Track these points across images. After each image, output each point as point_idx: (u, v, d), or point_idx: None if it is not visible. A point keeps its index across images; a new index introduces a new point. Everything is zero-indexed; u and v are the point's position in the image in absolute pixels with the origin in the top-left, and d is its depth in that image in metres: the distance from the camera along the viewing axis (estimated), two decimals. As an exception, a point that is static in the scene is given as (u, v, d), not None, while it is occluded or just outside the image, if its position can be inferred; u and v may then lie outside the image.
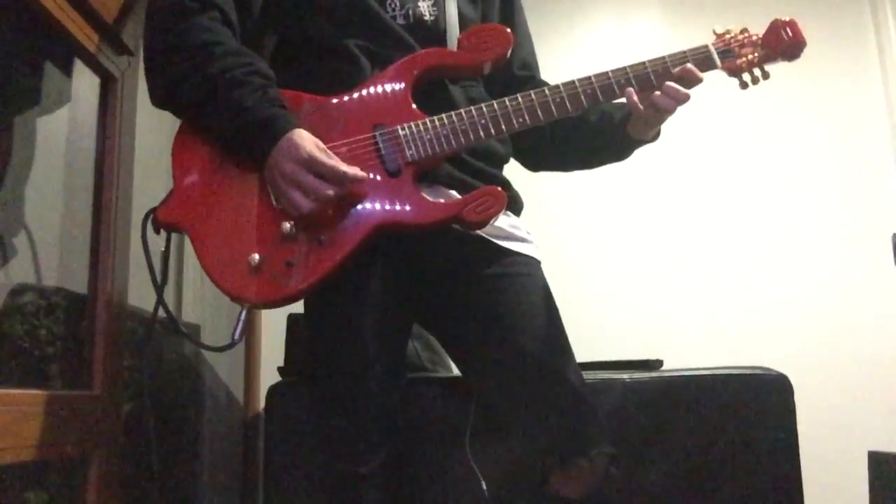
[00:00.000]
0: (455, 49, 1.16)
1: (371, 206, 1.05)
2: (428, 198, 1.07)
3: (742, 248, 2.50)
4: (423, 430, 1.40)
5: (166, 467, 1.53)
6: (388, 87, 1.11)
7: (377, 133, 1.08)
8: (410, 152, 1.07)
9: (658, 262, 2.50)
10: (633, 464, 1.40)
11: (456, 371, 1.45)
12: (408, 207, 1.05)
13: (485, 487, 1.28)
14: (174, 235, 1.10)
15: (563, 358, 1.14)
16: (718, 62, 1.15)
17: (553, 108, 1.11)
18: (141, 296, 1.40)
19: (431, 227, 1.06)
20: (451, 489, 1.38)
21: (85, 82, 1.32)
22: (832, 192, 2.53)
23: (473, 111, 1.09)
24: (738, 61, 1.16)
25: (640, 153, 1.30)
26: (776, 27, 1.16)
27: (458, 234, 1.11)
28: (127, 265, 1.33)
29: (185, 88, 1.04)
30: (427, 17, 1.18)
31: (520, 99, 1.11)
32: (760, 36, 1.17)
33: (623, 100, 1.14)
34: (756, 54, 1.16)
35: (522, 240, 1.20)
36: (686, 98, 1.11)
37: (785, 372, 1.50)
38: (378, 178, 1.06)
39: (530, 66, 1.34)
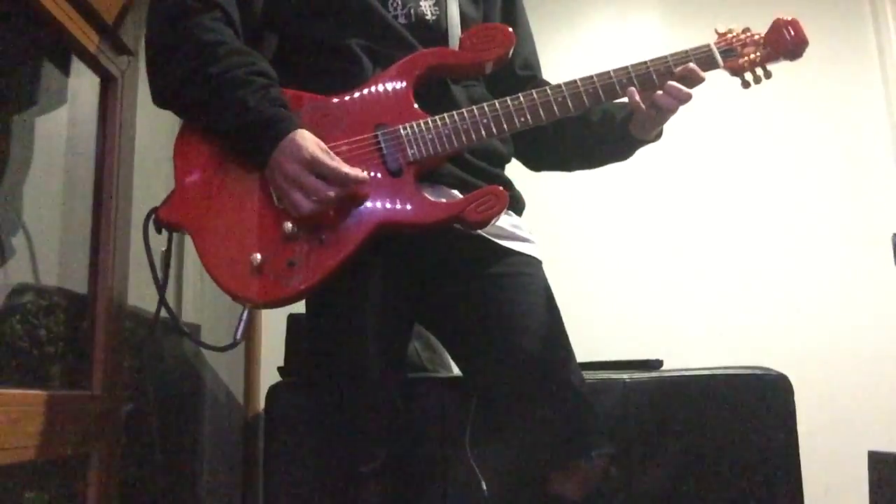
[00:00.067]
0: (457, 48, 1.16)
1: (372, 206, 1.05)
2: (429, 197, 1.07)
3: (742, 248, 2.51)
4: (423, 430, 1.40)
5: (167, 467, 1.53)
6: (389, 87, 1.11)
7: (379, 132, 1.08)
8: (412, 152, 1.07)
9: (658, 262, 2.50)
10: (633, 464, 1.40)
11: (456, 371, 1.45)
12: (409, 207, 1.05)
13: (485, 487, 1.28)
14: (175, 235, 1.10)
15: (563, 358, 1.15)
16: (720, 61, 1.15)
17: (555, 107, 1.11)
18: (141, 296, 1.40)
19: (433, 227, 1.06)
20: (451, 489, 1.38)
21: (85, 82, 1.32)
22: (832, 192, 2.53)
23: (475, 110, 1.09)
24: (741, 60, 1.16)
25: (640, 154, 1.30)
26: (778, 26, 1.16)
27: (459, 233, 1.11)
28: (127, 265, 1.33)
29: (187, 88, 1.04)
30: (429, 17, 1.18)
31: (521, 98, 1.11)
32: (762, 35, 1.17)
33: (625, 99, 1.14)
34: (758, 54, 1.16)
35: (524, 239, 1.20)
36: (688, 97, 1.11)
37: (785, 372, 1.49)
38: (380, 177, 1.06)
39: (532, 66, 1.34)
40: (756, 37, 1.17)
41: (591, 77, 1.12)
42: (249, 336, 2.10)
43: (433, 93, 1.14)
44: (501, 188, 1.08)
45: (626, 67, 1.13)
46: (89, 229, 1.28)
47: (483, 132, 1.09)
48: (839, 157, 2.56)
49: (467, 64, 1.16)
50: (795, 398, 1.47)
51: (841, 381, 2.35)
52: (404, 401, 1.17)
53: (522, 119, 1.10)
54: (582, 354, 1.19)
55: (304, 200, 1.00)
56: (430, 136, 1.08)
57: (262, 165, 1.03)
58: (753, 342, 2.35)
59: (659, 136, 1.25)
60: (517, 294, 1.15)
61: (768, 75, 1.17)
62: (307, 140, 1.01)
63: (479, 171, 1.16)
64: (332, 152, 1.02)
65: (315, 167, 1.00)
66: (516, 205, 1.24)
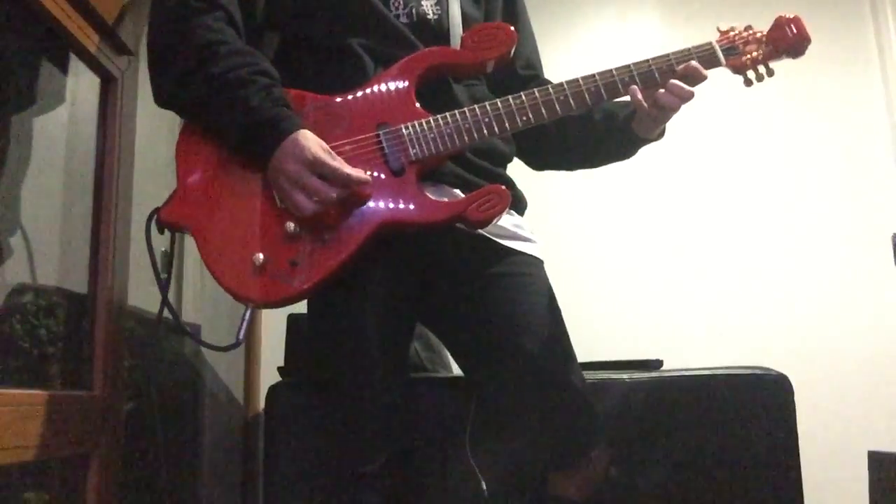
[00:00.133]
0: (458, 48, 1.16)
1: (375, 206, 1.05)
2: (431, 197, 1.07)
3: (742, 248, 2.50)
4: (423, 430, 1.40)
5: (167, 467, 1.53)
6: (391, 86, 1.11)
7: (381, 132, 1.08)
8: (414, 151, 1.07)
9: (658, 262, 2.50)
10: (633, 464, 1.40)
11: (456, 371, 1.45)
12: (411, 206, 1.05)
13: (485, 487, 1.28)
14: (175, 235, 1.10)
15: (564, 358, 1.15)
16: (723, 59, 1.15)
17: (557, 106, 1.11)
18: (141, 296, 1.40)
19: (435, 226, 1.06)
20: (451, 489, 1.38)
21: (85, 82, 1.32)
22: (832, 192, 2.53)
23: (477, 109, 1.09)
24: (743, 58, 1.16)
25: (641, 153, 1.30)
26: (780, 24, 1.16)
27: (461, 233, 1.11)
28: (127, 265, 1.33)
29: (189, 88, 1.04)
30: (430, 16, 1.18)
31: (523, 97, 1.10)
32: (765, 33, 1.17)
33: (627, 98, 1.14)
34: (760, 51, 1.16)
35: (526, 239, 1.20)
36: (690, 96, 1.11)
37: (785, 372, 1.49)
38: (382, 176, 1.06)
39: (534, 65, 1.34)
40: (758, 34, 1.17)
41: (594, 75, 1.12)
42: (249, 336, 2.10)
43: (435, 92, 1.13)
44: (504, 187, 1.08)
45: (629, 66, 1.13)
46: (89, 229, 1.28)
47: (485, 131, 1.09)
48: (839, 157, 2.56)
49: (469, 63, 1.16)
50: (795, 398, 1.47)
51: (841, 381, 2.35)
52: (405, 401, 1.17)
53: (524, 118, 1.10)
54: (582, 354, 1.19)
55: (306, 201, 1.00)
56: (431, 136, 1.08)
57: (264, 165, 1.03)
58: (753, 342, 2.35)
59: (662, 134, 1.25)
60: (519, 294, 1.14)
61: (771, 73, 1.17)
62: (309, 140, 1.01)
63: (481, 170, 1.16)
64: (333, 153, 1.02)
65: (317, 168, 1.00)
66: (518, 204, 1.24)
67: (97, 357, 1.23)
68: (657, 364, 1.61)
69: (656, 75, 1.12)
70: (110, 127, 1.31)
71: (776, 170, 2.56)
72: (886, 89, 2.61)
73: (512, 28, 1.16)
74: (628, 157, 1.30)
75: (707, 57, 1.14)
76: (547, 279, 1.20)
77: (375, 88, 1.11)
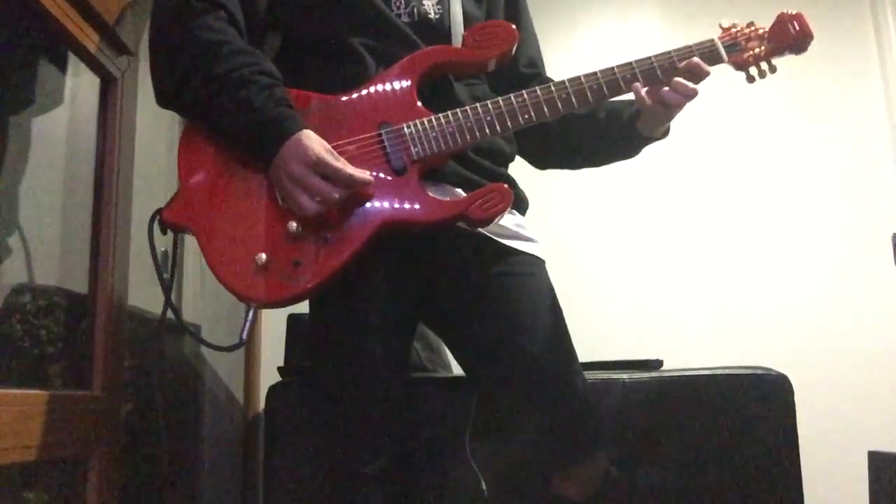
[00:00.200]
0: (460, 47, 1.16)
1: (377, 205, 1.05)
2: (434, 196, 1.07)
3: (742, 248, 2.50)
4: (423, 430, 1.40)
5: (167, 467, 1.53)
6: (393, 85, 1.11)
7: (382, 131, 1.08)
8: (416, 150, 1.07)
9: (658, 262, 2.50)
10: (633, 464, 1.40)
11: (456, 371, 1.45)
12: (414, 205, 1.05)
13: (485, 487, 1.28)
14: (177, 236, 1.10)
15: (566, 359, 1.14)
16: (725, 56, 1.15)
17: (559, 104, 1.11)
18: (141, 296, 1.40)
19: (437, 225, 1.06)
20: (451, 489, 1.38)
21: (85, 82, 1.32)
22: (832, 192, 2.53)
23: (479, 108, 1.09)
24: (745, 55, 1.16)
25: (640, 154, 1.30)
26: (783, 20, 1.16)
27: (463, 232, 1.11)
28: (127, 265, 1.33)
29: (190, 88, 1.04)
30: (432, 16, 1.17)
31: (525, 95, 1.10)
32: (767, 29, 1.17)
33: (631, 96, 1.14)
34: (763, 48, 1.16)
35: (528, 239, 1.20)
36: (694, 93, 1.11)
37: (785, 372, 1.49)
38: (384, 176, 1.06)
39: (536, 64, 1.34)
40: (760, 31, 1.17)
41: (595, 73, 1.12)
42: (249, 336, 2.10)
43: (436, 91, 1.13)
44: (506, 185, 1.08)
45: (630, 63, 1.13)
46: (89, 229, 1.28)
47: (487, 129, 1.09)
48: (839, 157, 2.56)
49: (470, 61, 1.15)
50: (795, 398, 1.47)
51: (841, 381, 2.35)
52: (408, 401, 1.17)
53: (526, 116, 1.10)
54: (582, 354, 1.19)
55: (309, 202, 1.00)
56: (433, 134, 1.08)
57: (266, 165, 1.03)
58: (753, 342, 2.36)
59: (666, 133, 1.25)
60: (521, 294, 1.14)
61: (773, 69, 1.16)
62: (312, 141, 1.01)
63: (482, 169, 1.16)
64: (336, 153, 1.02)
65: (320, 168, 1.00)
66: (520, 204, 1.23)
67: (97, 357, 1.23)
68: (657, 364, 1.61)
69: (658, 72, 1.12)
70: (110, 127, 1.31)
71: (776, 170, 2.56)
72: (886, 89, 2.61)
73: (513, 26, 1.16)
74: (632, 156, 1.30)
75: (709, 54, 1.14)
76: (549, 279, 1.20)
77: (377, 88, 1.11)
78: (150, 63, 1.09)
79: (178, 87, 1.06)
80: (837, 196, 2.53)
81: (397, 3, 1.16)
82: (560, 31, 2.64)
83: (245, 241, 1.03)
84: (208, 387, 1.85)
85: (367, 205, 1.05)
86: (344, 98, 1.10)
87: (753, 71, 1.16)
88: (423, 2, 1.17)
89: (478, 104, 1.09)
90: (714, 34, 1.17)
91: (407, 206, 1.05)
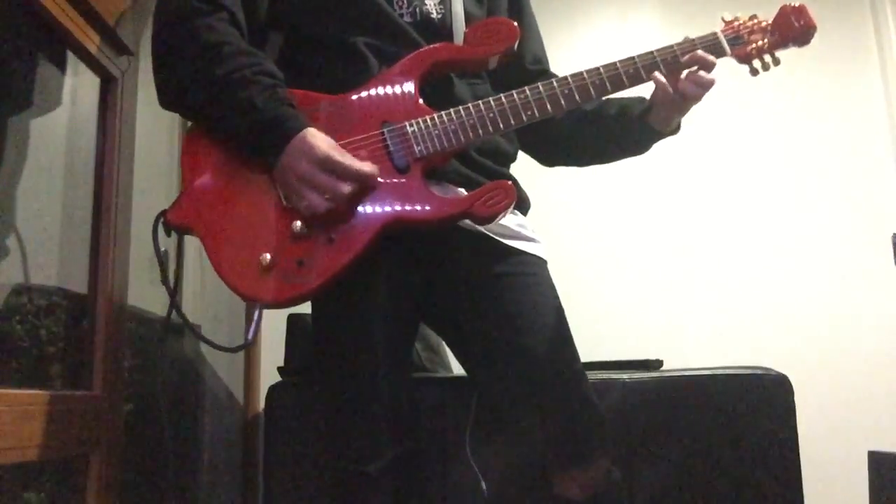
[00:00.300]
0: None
1: (380, 204, 1.05)
2: (437, 194, 1.07)
3: (742, 248, 2.51)
4: (423, 430, 1.40)
5: (166, 467, 1.53)
6: (395, 84, 1.10)
7: (385, 130, 1.08)
8: (419, 148, 1.07)
9: (658, 262, 2.50)
10: (633, 464, 1.40)
11: (456, 371, 1.45)
12: (417, 204, 1.05)
13: (484, 487, 1.28)
14: (181, 237, 1.10)
15: (568, 359, 1.14)
16: (728, 49, 1.15)
17: (561, 100, 1.10)
18: (141, 296, 1.40)
19: (441, 223, 1.06)
20: (451, 489, 1.38)
21: (85, 82, 1.32)
22: (832, 192, 2.53)
23: (481, 105, 1.09)
24: (748, 48, 1.15)
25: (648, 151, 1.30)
26: (786, 13, 1.16)
27: (465, 232, 1.11)
28: (127, 265, 1.33)
29: (193, 90, 1.04)
30: (434, 15, 1.17)
31: (528, 92, 1.10)
32: (770, 22, 1.17)
33: (640, 93, 1.13)
34: (766, 41, 1.15)
35: (529, 239, 1.20)
36: (711, 83, 1.11)
37: (785, 372, 1.50)
38: (387, 174, 1.06)
39: (541, 61, 1.34)
40: (763, 24, 1.16)
41: (598, 68, 1.12)
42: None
43: (438, 91, 1.13)
44: (509, 183, 1.08)
45: (633, 58, 1.12)
46: (89, 229, 1.28)
47: (490, 127, 1.09)
48: (839, 157, 2.56)
49: (472, 58, 1.15)
50: (795, 398, 1.47)
51: (841, 381, 2.35)
52: (410, 400, 1.17)
53: (529, 113, 1.10)
54: (582, 354, 1.19)
55: (319, 199, 1.00)
56: (436, 132, 1.08)
57: (272, 165, 1.03)
58: (753, 342, 2.36)
59: (678, 129, 1.24)
60: (522, 294, 1.14)
61: (777, 62, 1.16)
62: (319, 139, 1.01)
63: (484, 168, 1.16)
64: (342, 149, 1.02)
65: (328, 165, 1.00)
66: (522, 204, 1.23)
67: (97, 357, 1.23)
68: (657, 364, 1.61)
69: (661, 66, 1.12)
70: (110, 127, 1.31)
71: (776, 170, 2.56)
72: (886, 89, 2.61)
73: (515, 23, 1.15)
74: (642, 152, 1.29)
75: (711, 47, 1.14)
76: (551, 279, 1.20)
77: (379, 86, 1.10)
78: (153, 64, 1.09)
79: (180, 88, 1.06)
80: (837, 196, 2.53)
81: (399, 3, 1.16)
82: (560, 31, 2.64)
83: (249, 242, 1.03)
84: (208, 387, 1.85)
85: (371, 204, 1.05)
86: (346, 97, 1.10)
87: (757, 64, 1.16)
88: (426, 1, 1.18)
89: (480, 102, 1.09)
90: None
91: (410, 204, 1.05)
